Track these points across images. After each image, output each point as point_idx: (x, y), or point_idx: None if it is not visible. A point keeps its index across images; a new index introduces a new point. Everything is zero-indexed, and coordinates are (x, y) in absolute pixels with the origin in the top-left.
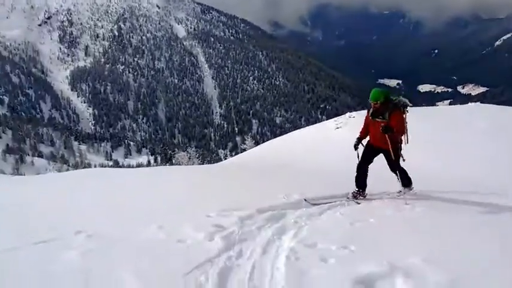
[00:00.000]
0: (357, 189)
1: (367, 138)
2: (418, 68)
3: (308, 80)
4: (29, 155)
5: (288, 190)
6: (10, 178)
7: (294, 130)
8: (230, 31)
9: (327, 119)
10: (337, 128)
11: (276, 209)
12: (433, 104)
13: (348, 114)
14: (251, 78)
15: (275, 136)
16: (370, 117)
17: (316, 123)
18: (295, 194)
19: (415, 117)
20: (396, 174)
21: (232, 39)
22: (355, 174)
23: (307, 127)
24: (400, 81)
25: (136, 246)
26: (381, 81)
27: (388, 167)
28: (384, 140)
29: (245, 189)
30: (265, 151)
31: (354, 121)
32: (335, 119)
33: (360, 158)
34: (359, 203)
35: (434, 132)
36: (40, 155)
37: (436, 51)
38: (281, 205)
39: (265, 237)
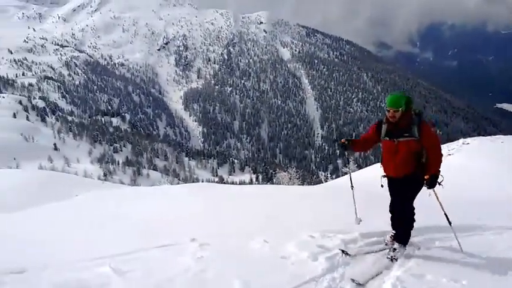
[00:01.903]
0: (393, 232)
1: (378, 166)
2: None
3: (417, 102)
4: (145, 167)
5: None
6: (135, 189)
7: None
8: (334, 53)
9: None
10: (449, 154)
11: (382, 236)
12: None
13: (461, 140)
14: (355, 100)
15: (379, 160)
16: (386, 138)
17: None
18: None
19: None
20: (399, 218)
21: (336, 61)
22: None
23: None
24: None
25: (243, 257)
26: (499, 105)
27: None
28: (409, 166)
29: (349, 212)
30: (371, 174)
31: (469, 148)
32: (447, 145)
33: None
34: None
35: None
36: (155, 168)
37: None
38: (387, 232)
39: (369, 263)
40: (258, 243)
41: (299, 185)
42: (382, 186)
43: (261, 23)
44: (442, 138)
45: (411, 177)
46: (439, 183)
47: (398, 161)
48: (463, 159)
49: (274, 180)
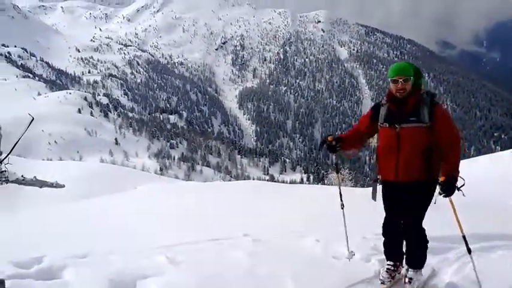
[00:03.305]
0: (388, 263)
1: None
2: None
3: (481, 105)
4: (199, 164)
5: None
6: (191, 184)
7: (463, 160)
8: (395, 52)
9: (501, 150)
10: None
11: (440, 241)
12: None
13: None
14: None
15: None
16: (385, 125)
17: (488, 153)
18: (465, 227)
19: None
20: (410, 241)
21: (396, 60)
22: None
23: (478, 157)
24: None
25: (295, 255)
26: None
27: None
28: (417, 165)
29: None
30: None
31: None
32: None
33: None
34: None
35: None
36: (208, 165)
37: None
38: (446, 237)
39: (424, 267)
40: (309, 242)
41: (351, 186)
42: (374, 198)
43: (319, 22)
44: (508, 143)
45: (421, 183)
46: (459, 189)
47: (401, 158)
48: None
49: (326, 181)
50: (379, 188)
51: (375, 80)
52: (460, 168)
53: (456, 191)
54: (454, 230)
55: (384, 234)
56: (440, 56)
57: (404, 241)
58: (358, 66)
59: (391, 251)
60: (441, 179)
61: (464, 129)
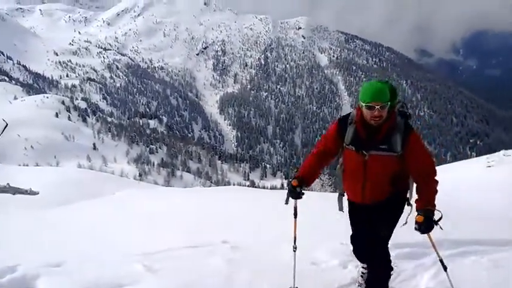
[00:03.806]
0: (362, 266)
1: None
2: None
3: (457, 111)
4: (179, 169)
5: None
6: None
7: (439, 165)
8: (373, 59)
9: (477, 156)
10: (489, 166)
11: (416, 246)
12: None
13: (502, 151)
14: None
15: None
16: (351, 148)
17: (464, 159)
18: (437, 231)
19: None
20: (373, 266)
21: (375, 68)
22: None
23: (453, 163)
24: None
25: (274, 261)
26: None
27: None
28: (385, 190)
29: None
30: None
31: (510, 160)
32: (487, 156)
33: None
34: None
35: None
36: (188, 171)
37: None
38: (421, 243)
39: (400, 273)
40: (288, 249)
41: (331, 192)
42: (341, 209)
43: (300, 28)
44: (483, 149)
45: (390, 201)
46: (436, 223)
47: (368, 185)
48: (503, 172)
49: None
50: (345, 199)
51: (354, 86)
52: (436, 201)
53: (435, 226)
54: (431, 234)
55: (352, 243)
56: (418, 63)
57: (366, 265)
58: (337, 72)
59: (362, 256)
60: (417, 218)
61: (440, 135)
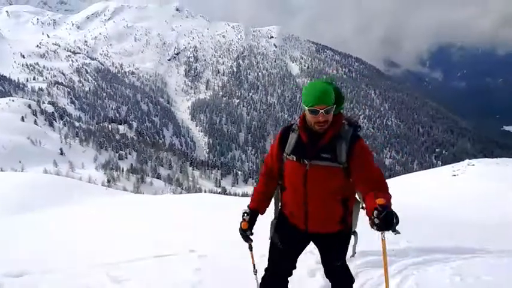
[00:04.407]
0: None
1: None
2: None
3: (424, 122)
4: (149, 175)
5: (395, 236)
6: (138, 197)
7: (405, 174)
8: (343, 69)
9: (442, 165)
10: (454, 175)
11: (380, 254)
12: None
13: (467, 161)
14: (361, 116)
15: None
16: (291, 157)
17: (429, 168)
18: (402, 241)
19: None
20: (333, 279)
21: (344, 77)
22: None
23: (420, 171)
24: None
25: (240, 271)
26: (507, 128)
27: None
28: (333, 212)
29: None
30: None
31: (474, 169)
32: (453, 165)
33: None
34: None
35: None
36: (158, 177)
37: None
38: (388, 250)
39: (364, 282)
40: (256, 258)
41: None
42: (274, 240)
43: (272, 37)
44: (448, 158)
45: (336, 234)
46: (395, 229)
47: (312, 206)
48: (468, 181)
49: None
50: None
51: None
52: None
53: (391, 232)
54: (395, 244)
55: (269, 272)
56: (386, 74)
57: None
58: (308, 81)
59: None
60: (378, 201)
61: (407, 144)
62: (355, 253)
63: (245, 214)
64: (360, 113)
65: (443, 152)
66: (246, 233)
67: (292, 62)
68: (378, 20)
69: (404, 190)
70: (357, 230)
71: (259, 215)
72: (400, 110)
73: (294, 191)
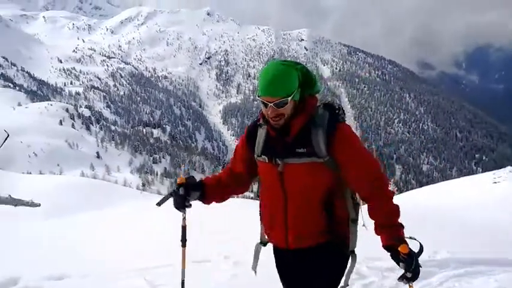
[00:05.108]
0: None
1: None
2: None
3: (461, 126)
4: None
5: (435, 246)
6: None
7: (443, 180)
8: (376, 72)
9: (482, 171)
10: (495, 182)
11: (423, 264)
12: None
13: (508, 167)
14: (396, 120)
15: (420, 185)
16: (262, 158)
17: (469, 174)
18: (442, 251)
19: None
20: None
21: (377, 81)
22: None
23: (459, 178)
24: None
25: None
26: None
27: None
28: (315, 224)
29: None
30: (409, 199)
31: None
32: (493, 172)
33: None
34: None
35: None
36: None
37: None
38: (425, 262)
39: None
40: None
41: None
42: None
43: (302, 40)
44: (488, 164)
45: (322, 248)
46: (417, 263)
47: (291, 215)
48: (509, 188)
49: None
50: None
51: (357, 98)
52: (400, 219)
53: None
54: (435, 254)
55: None
56: (421, 76)
57: None
58: (340, 84)
59: None
60: (402, 249)
61: (445, 149)
62: (348, 285)
63: (191, 177)
64: (394, 117)
65: (483, 157)
66: (178, 190)
67: (323, 64)
68: (410, 20)
69: (443, 198)
70: (356, 250)
71: (201, 194)
72: (436, 114)
73: (272, 197)
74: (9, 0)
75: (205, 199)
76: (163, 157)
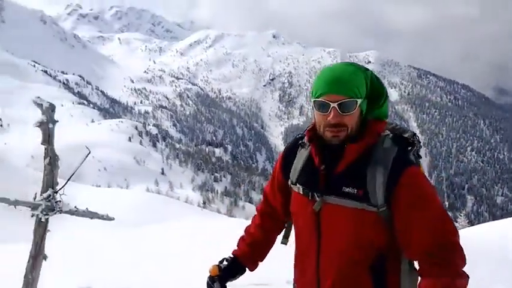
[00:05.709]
0: None
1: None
2: None
3: None
4: (241, 199)
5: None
6: (236, 221)
7: None
8: (448, 97)
9: None
10: None
11: None
12: None
13: None
14: (469, 148)
15: (494, 218)
16: (297, 188)
17: None
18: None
19: None
20: None
21: (449, 105)
22: None
23: None
24: None
25: None
26: None
27: None
28: (356, 282)
29: None
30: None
31: None
32: None
33: None
34: None
35: None
36: (250, 201)
37: None
38: None
39: None
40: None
41: None
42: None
43: (369, 62)
44: None
45: None
46: None
47: (323, 272)
48: None
49: None
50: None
51: (427, 124)
52: None
53: None
54: None
55: None
56: (497, 103)
57: None
58: (409, 108)
59: None
60: None
61: None
62: None
63: (224, 260)
64: (467, 145)
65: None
66: (213, 283)
67: (391, 87)
68: (485, 44)
69: None
70: None
71: (245, 270)
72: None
73: (301, 245)
74: (88, 22)
75: (249, 269)
76: (224, 176)
